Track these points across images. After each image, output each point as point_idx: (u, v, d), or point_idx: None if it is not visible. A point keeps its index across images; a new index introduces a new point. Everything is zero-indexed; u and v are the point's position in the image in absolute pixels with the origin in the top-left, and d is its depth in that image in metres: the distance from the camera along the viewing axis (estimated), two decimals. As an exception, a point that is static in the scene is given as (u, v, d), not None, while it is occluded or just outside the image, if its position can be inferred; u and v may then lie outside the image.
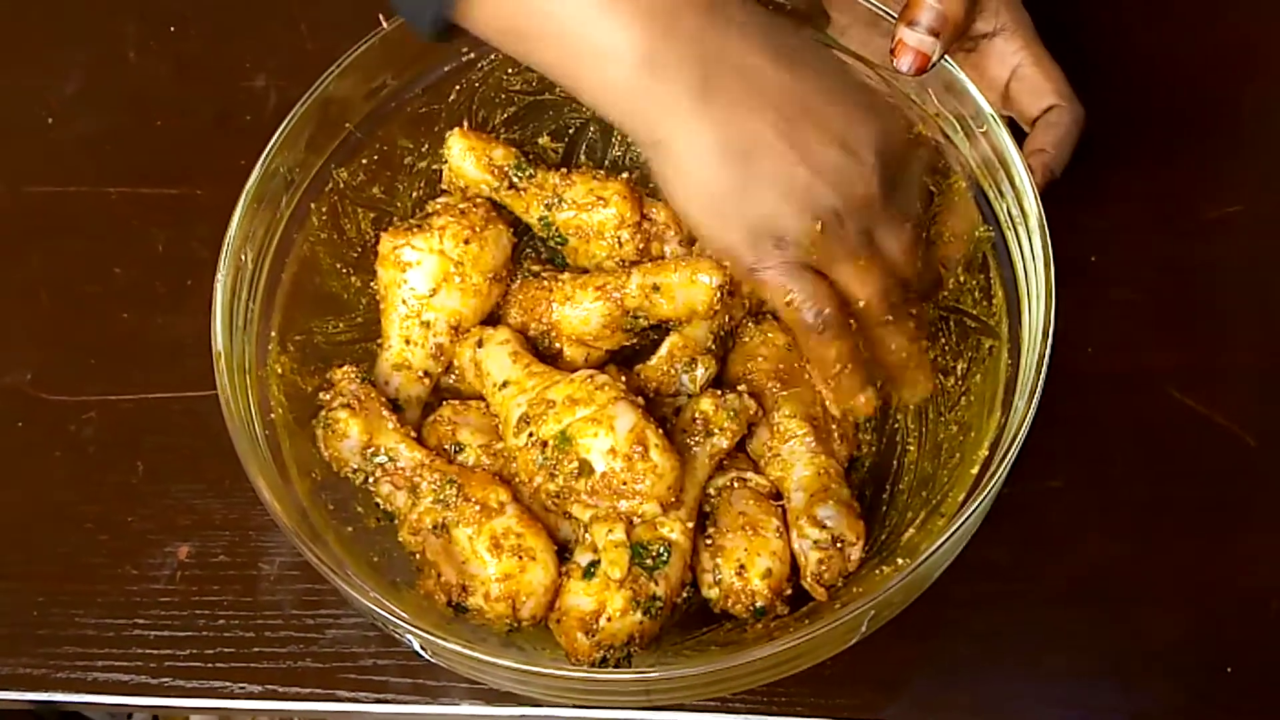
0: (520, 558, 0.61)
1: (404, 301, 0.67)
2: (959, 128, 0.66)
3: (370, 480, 0.65)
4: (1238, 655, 0.67)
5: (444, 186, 0.71)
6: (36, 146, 0.87)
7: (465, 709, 0.68)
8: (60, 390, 0.78)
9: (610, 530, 0.61)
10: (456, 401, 0.68)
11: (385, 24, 0.67)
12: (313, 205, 0.69)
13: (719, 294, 0.66)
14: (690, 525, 0.62)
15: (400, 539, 0.64)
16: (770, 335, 0.69)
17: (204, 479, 0.74)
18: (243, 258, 0.65)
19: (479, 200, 0.69)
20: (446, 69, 0.72)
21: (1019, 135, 0.68)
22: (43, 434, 0.77)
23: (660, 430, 0.61)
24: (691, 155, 0.57)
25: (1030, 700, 0.67)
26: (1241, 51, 0.84)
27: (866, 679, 0.67)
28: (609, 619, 0.60)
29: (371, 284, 0.70)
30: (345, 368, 0.67)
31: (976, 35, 0.69)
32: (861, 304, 0.61)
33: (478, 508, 0.62)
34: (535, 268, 0.71)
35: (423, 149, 0.73)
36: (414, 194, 0.73)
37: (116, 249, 0.82)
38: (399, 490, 0.64)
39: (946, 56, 0.64)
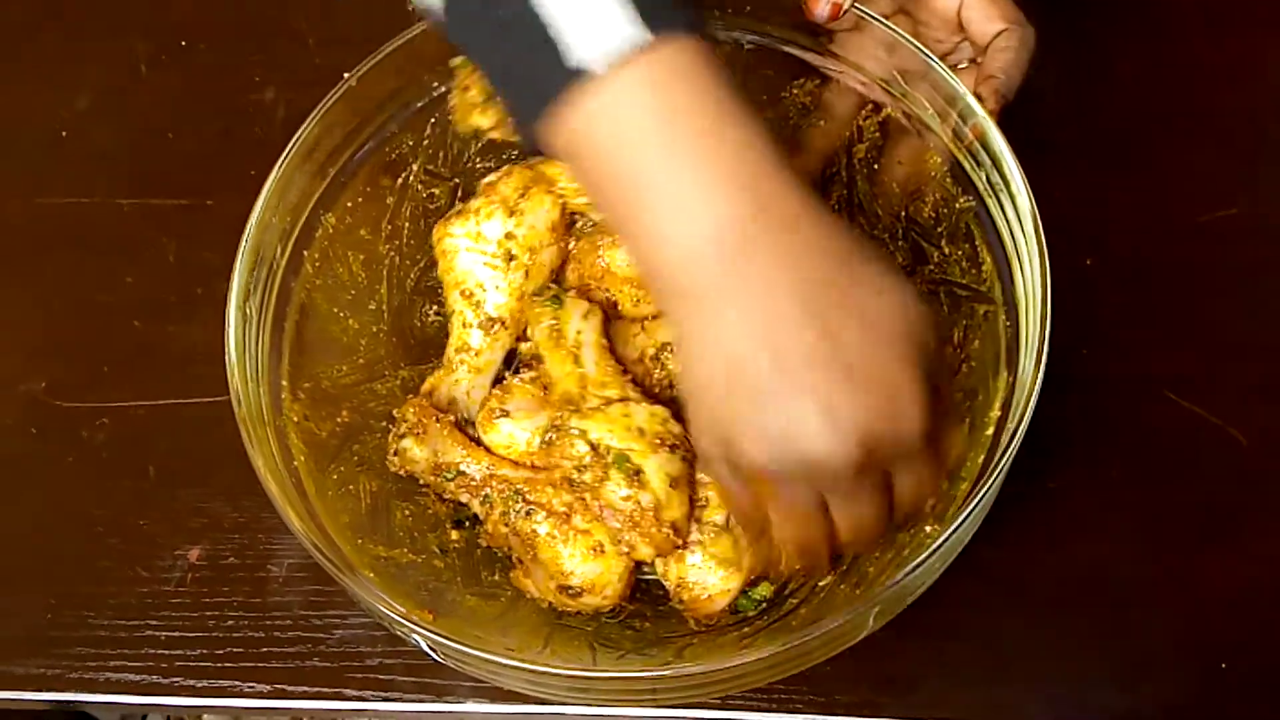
0: (594, 552, 0.64)
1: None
2: (929, 106, 0.67)
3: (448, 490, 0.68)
4: (1233, 654, 0.67)
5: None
6: (50, 159, 0.88)
7: (471, 707, 0.69)
8: (73, 397, 0.79)
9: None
10: (510, 377, 0.70)
11: (348, 77, 0.68)
12: (305, 253, 0.69)
13: None
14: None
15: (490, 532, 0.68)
16: None
17: (214, 483, 0.75)
18: (247, 311, 0.65)
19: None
20: (419, 105, 0.72)
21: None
22: (56, 440, 0.78)
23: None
24: (722, 337, 0.50)
25: (1028, 699, 0.67)
26: (1235, 56, 0.84)
27: (865, 677, 0.67)
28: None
29: (374, 326, 0.72)
30: (412, 399, 0.69)
31: None
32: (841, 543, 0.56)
33: (544, 514, 0.65)
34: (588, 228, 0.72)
35: (399, 184, 0.73)
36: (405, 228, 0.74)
37: (128, 259, 0.83)
38: (475, 498, 0.68)
39: (912, 39, 0.65)
